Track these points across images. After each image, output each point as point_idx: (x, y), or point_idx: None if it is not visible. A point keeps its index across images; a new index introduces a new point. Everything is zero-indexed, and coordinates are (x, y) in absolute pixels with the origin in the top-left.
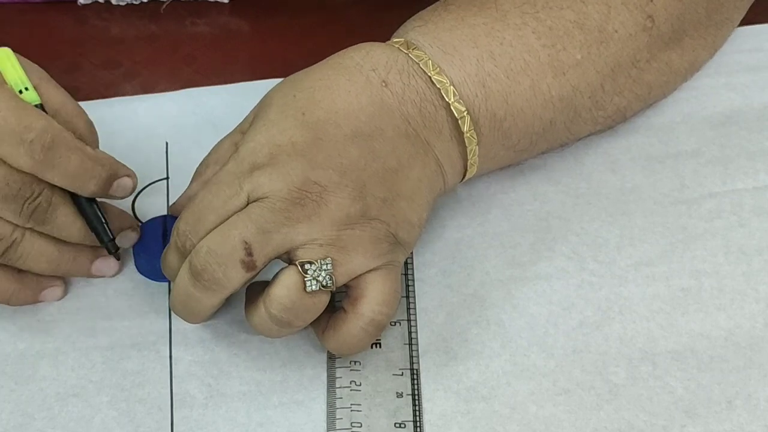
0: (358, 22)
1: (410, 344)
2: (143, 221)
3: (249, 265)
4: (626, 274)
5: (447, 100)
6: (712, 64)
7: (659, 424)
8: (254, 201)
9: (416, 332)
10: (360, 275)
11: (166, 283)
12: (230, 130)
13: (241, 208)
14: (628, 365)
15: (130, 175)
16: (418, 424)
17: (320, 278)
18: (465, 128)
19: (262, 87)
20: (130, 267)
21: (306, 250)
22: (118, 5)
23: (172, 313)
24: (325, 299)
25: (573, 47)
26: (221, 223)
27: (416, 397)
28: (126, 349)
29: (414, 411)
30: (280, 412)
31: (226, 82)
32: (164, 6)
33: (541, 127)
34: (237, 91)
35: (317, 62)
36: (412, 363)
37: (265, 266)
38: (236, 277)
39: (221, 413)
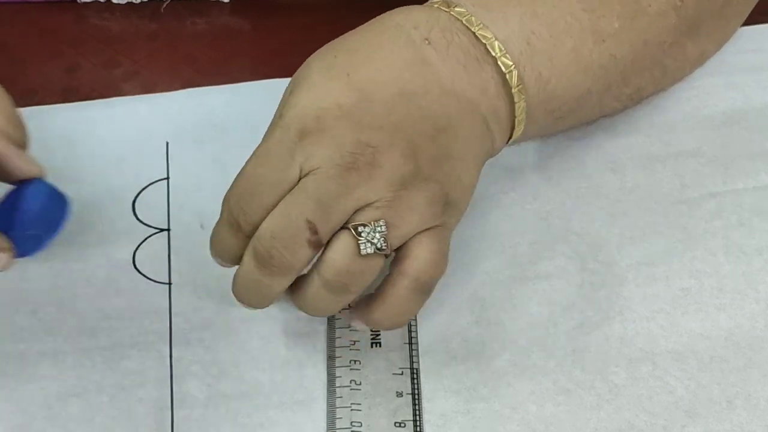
0: (359, 22)
1: (410, 343)
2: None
3: (315, 243)
4: (626, 273)
5: (493, 54)
6: (714, 63)
7: (659, 424)
8: (308, 172)
9: (416, 331)
10: (411, 237)
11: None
12: (230, 130)
13: (296, 180)
14: (628, 365)
15: (3, 249)
16: (418, 424)
17: (374, 240)
18: (513, 82)
19: (262, 87)
20: (130, 267)
21: (362, 213)
22: (119, 4)
23: (172, 312)
24: (379, 262)
25: (611, 15)
26: (278, 198)
27: (416, 397)
28: (126, 349)
29: (414, 410)
30: (281, 411)
31: (226, 82)
32: (164, 5)
33: (580, 95)
34: (238, 90)
35: None
36: (412, 362)
37: (329, 238)
38: (304, 258)
39: (221, 413)
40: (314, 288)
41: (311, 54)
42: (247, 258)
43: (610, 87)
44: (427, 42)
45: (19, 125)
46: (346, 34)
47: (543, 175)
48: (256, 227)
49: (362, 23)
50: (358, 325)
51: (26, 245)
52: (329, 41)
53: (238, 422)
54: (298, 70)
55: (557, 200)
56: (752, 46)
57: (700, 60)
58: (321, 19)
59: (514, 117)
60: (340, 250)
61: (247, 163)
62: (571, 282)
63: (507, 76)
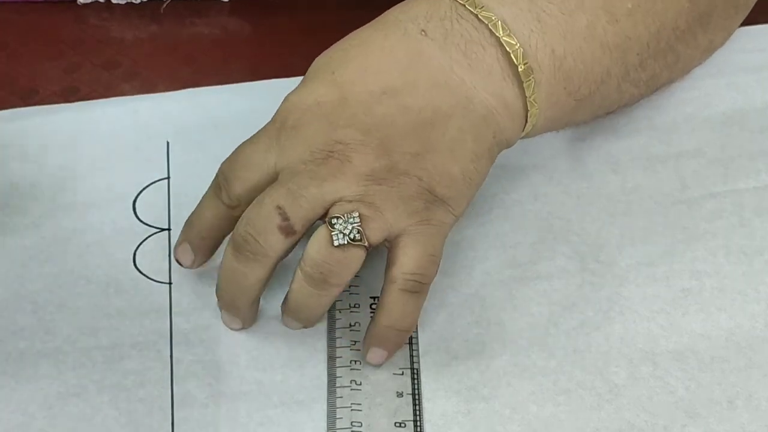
0: (359, 22)
1: (410, 343)
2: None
3: (287, 229)
4: (627, 274)
5: (497, 35)
6: (715, 63)
7: (660, 424)
8: (282, 167)
9: (417, 331)
10: (396, 238)
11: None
12: (230, 130)
13: (272, 169)
14: (628, 365)
15: None
16: (418, 424)
17: (346, 231)
18: (518, 61)
19: (262, 87)
20: (131, 267)
21: (336, 207)
22: (118, 4)
23: (173, 312)
24: (357, 254)
25: None
26: (255, 176)
27: (416, 397)
28: (127, 348)
29: (414, 410)
30: (281, 411)
31: (226, 82)
32: (164, 6)
33: (600, 76)
34: (238, 90)
35: None
36: (412, 362)
37: (305, 231)
38: (276, 244)
39: (222, 413)
40: (297, 283)
41: (311, 54)
42: (227, 249)
43: (628, 70)
44: (423, 33)
45: None
46: (352, 32)
47: (544, 176)
48: (234, 200)
49: (363, 23)
50: (373, 356)
51: None
52: (328, 41)
53: (238, 422)
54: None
55: (558, 200)
56: (752, 46)
57: (709, 50)
58: (320, 20)
59: (526, 98)
60: (316, 242)
61: (244, 141)
62: (572, 282)
63: (512, 56)
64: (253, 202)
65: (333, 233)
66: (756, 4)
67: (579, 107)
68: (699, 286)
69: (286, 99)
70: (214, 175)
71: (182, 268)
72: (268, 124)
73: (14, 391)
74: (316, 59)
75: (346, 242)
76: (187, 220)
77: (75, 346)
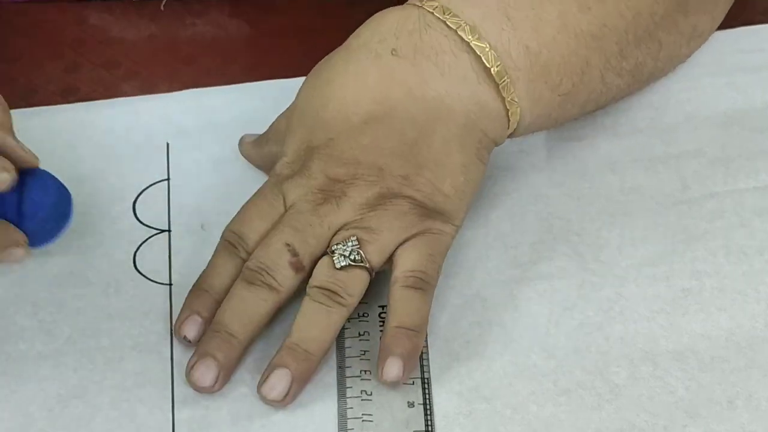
0: (358, 23)
1: (421, 353)
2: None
3: (296, 265)
4: (627, 274)
5: (466, 40)
6: (714, 63)
7: (660, 424)
8: (288, 207)
9: (426, 342)
10: (396, 251)
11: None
12: (230, 131)
13: (279, 216)
14: (629, 365)
15: (19, 243)
16: None
17: (346, 253)
18: (490, 63)
19: (262, 87)
20: (131, 268)
21: (335, 237)
22: (118, 2)
23: (173, 313)
24: (360, 274)
25: None
26: (266, 224)
27: (428, 407)
28: (127, 349)
29: (426, 421)
30: (283, 413)
31: (225, 83)
32: (163, 3)
33: (579, 67)
34: (238, 91)
35: (317, 63)
36: (423, 372)
37: (311, 267)
38: (287, 280)
39: (223, 414)
40: (305, 306)
41: (310, 55)
42: (238, 282)
43: (608, 59)
44: (394, 53)
45: (7, 110)
46: (326, 59)
47: (544, 176)
48: (248, 251)
49: (362, 23)
50: (389, 369)
51: (39, 238)
52: (328, 42)
53: (239, 424)
54: (291, 106)
55: (558, 201)
56: (752, 46)
57: (695, 35)
58: (320, 20)
59: (504, 99)
60: (320, 267)
61: (247, 201)
62: (572, 282)
63: (483, 58)
64: (262, 243)
65: (334, 257)
66: (756, 4)
67: (566, 102)
68: (699, 286)
69: (283, 153)
70: (221, 235)
71: (182, 268)
72: (270, 179)
73: (15, 393)
74: (296, 96)
75: (347, 264)
76: (194, 289)
77: (75, 347)
